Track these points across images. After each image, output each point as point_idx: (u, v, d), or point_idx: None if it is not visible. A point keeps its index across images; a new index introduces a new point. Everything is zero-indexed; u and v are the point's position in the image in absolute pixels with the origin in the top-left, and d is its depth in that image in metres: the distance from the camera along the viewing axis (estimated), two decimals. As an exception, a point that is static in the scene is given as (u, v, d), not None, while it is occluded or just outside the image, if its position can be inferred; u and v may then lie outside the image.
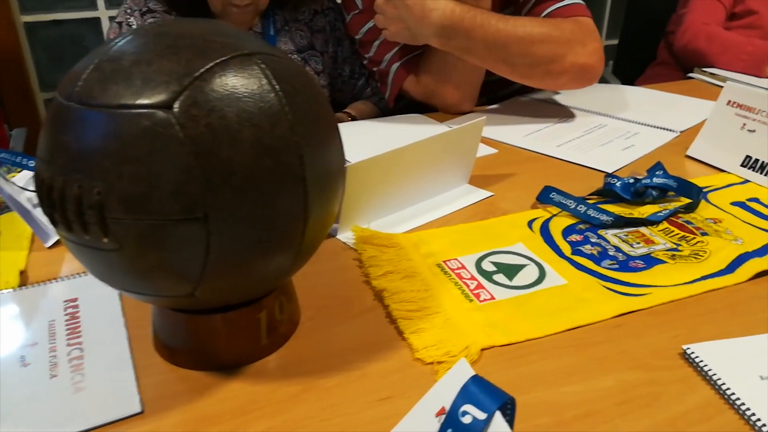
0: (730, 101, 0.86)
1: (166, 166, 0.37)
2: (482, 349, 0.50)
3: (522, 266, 0.62)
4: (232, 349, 0.48)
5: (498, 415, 0.32)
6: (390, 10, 0.94)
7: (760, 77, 1.28)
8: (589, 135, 0.99)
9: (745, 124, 0.83)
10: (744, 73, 1.31)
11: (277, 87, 0.40)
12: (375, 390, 0.46)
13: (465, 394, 0.33)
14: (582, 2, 1.01)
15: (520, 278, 0.60)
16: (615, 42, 1.99)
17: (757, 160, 0.81)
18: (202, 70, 0.38)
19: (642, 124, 1.03)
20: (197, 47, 0.40)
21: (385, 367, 0.48)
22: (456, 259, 0.63)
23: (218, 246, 0.39)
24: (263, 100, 0.39)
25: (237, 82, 0.39)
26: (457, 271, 0.61)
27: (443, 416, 0.34)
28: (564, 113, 1.09)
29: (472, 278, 0.60)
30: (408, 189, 0.73)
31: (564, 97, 1.17)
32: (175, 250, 0.39)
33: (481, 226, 0.70)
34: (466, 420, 0.33)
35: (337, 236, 0.68)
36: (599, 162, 0.87)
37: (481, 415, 0.32)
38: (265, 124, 0.39)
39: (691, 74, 1.36)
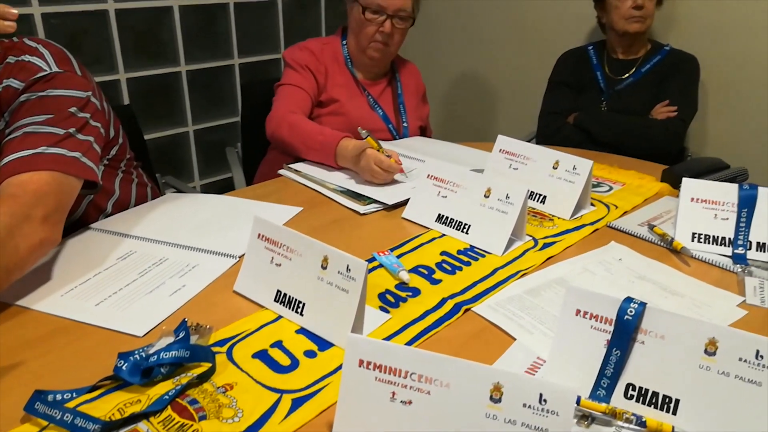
0: (260, 234, 0.86)
1: None
2: None
3: None
4: None
5: None
6: None
7: (332, 167, 1.34)
8: (141, 278, 0.89)
9: (273, 258, 0.84)
10: (321, 162, 1.35)
11: None
12: None
13: None
14: (57, 151, 0.88)
15: None
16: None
17: (285, 295, 0.82)
18: None
19: (205, 251, 0.98)
20: None
21: None
22: None
23: None
24: None
25: None
26: None
27: None
28: (127, 247, 0.99)
29: None
30: None
31: (129, 223, 1.06)
32: None
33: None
34: None
35: None
36: (131, 323, 0.78)
37: None
38: None
39: (280, 171, 1.37)
